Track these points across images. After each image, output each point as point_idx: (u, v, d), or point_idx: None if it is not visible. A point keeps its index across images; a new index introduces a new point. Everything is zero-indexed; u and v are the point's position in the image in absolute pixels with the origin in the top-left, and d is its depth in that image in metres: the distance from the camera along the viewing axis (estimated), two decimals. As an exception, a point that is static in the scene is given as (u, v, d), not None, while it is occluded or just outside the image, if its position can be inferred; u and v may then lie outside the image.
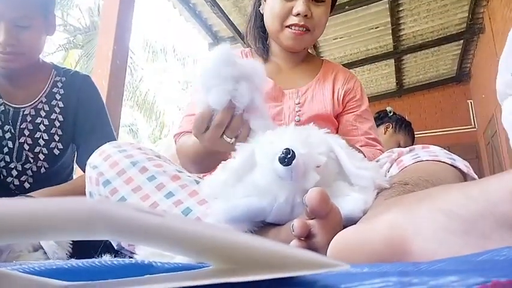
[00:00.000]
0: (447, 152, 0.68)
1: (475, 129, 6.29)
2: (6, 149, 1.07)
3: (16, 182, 1.08)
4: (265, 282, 0.22)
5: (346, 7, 4.23)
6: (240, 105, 0.66)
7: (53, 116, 1.13)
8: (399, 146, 1.93)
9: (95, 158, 0.72)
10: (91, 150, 0.76)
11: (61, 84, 1.17)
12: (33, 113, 1.11)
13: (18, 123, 1.09)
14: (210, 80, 0.66)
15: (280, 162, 0.51)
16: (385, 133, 2.06)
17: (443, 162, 0.64)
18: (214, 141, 0.70)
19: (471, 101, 6.32)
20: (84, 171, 1.11)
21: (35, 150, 1.10)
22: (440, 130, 6.40)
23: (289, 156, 0.51)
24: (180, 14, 4.30)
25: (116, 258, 0.33)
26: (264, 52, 1.03)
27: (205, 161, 0.82)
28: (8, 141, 1.07)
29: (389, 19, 4.65)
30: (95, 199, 0.70)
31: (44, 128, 1.11)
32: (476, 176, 0.65)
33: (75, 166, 1.25)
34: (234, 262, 0.24)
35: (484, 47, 4.99)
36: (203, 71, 0.67)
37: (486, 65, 4.94)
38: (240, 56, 1.03)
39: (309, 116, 0.95)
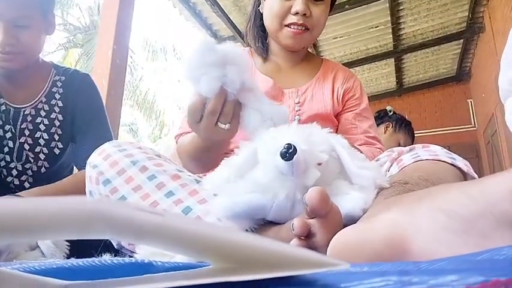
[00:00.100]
0: (447, 151, 0.68)
1: (475, 128, 6.29)
2: (6, 149, 1.07)
3: (16, 182, 1.08)
4: (265, 281, 0.22)
5: (346, 6, 4.23)
6: (232, 90, 0.66)
7: (53, 116, 1.13)
8: (399, 145, 1.93)
9: (95, 157, 0.72)
10: (86, 148, 0.76)
11: (60, 84, 1.16)
12: (33, 112, 1.11)
13: (19, 123, 1.09)
14: (197, 70, 0.66)
15: (282, 157, 0.52)
16: (385, 132, 2.06)
17: (443, 161, 0.64)
18: (209, 129, 0.70)
19: (471, 100, 6.31)
20: (79, 169, 1.11)
21: (36, 150, 1.10)
22: (440, 129, 6.40)
23: (290, 151, 0.51)
24: (180, 13, 4.30)
25: (116, 258, 0.33)
26: (264, 51, 1.03)
27: (204, 155, 0.82)
28: (9, 141, 1.07)
29: (389, 18, 4.65)
30: (95, 198, 0.70)
31: (44, 127, 1.11)
32: (476, 175, 0.65)
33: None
34: (234, 261, 0.24)
35: (484, 46, 4.99)
36: (189, 63, 0.67)
37: (486, 64, 4.94)
38: None
39: (308, 115, 0.95)
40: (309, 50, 1.12)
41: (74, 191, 0.79)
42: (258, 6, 1.03)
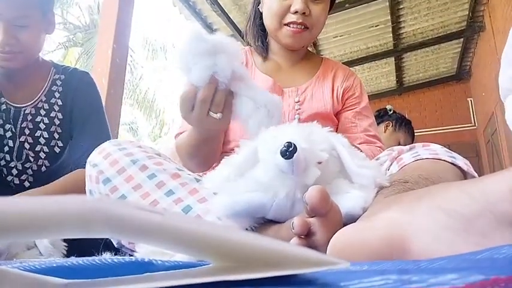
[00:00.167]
0: (447, 150, 0.68)
1: (475, 127, 6.29)
2: (6, 148, 1.07)
3: (16, 181, 1.08)
4: (265, 280, 0.22)
5: (347, 5, 4.22)
6: (223, 79, 0.66)
7: (52, 114, 1.13)
8: (399, 144, 1.93)
9: (95, 156, 0.72)
10: (82, 145, 0.76)
11: (60, 82, 1.16)
12: (33, 112, 1.11)
13: (19, 123, 1.09)
14: (188, 60, 0.66)
15: (282, 156, 0.52)
16: (385, 131, 2.06)
17: (444, 160, 0.64)
18: (201, 118, 0.69)
19: (471, 99, 6.31)
20: (74, 166, 1.10)
21: (36, 149, 1.10)
22: (440, 128, 6.40)
23: (290, 149, 0.51)
24: (180, 12, 4.29)
25: (116, 256, 0.33)
26: (264, 50, 1.03)
27: (201, 150, 0.82)
28: (9, 140, 1.07)
29: (389, 17, 4.65)
30: (95, 197, 0.71)
31: (44, 126, 1.11)
32: (476, 174, 0.66)
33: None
34: (234, 260, 0.24)
35: (485, 45, 4.99)
36: (180, 54, 0.67)
37: (486, 63, 4.94)
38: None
39: (308, 114, 0.95)
40: (309, 48, 1.11)
41: (70, 191, 0.79)
42: (258, 5, 1.03)
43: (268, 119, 0.67)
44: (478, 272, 0.21)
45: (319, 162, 0.56)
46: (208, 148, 0.81)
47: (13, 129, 1.08)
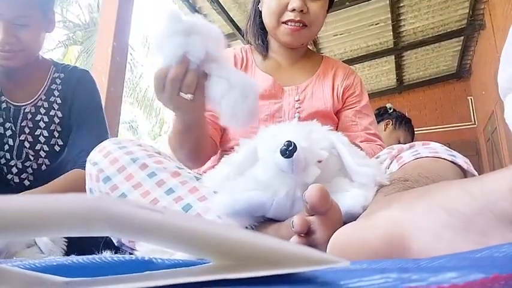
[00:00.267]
0: (447, 148, 0.68)
1: (475, 125, 6.29)
2: (6, 147, 1.07)
3: (16, 180, 1.09)
4: (265, 278, 0.23)
5: (347, 3, 4.22)
6: (195, 59, 0.65)
7: (52, 113, 1.13)
8: (399, 143, 1.93)
9: (95, 155, 0.73)
10: (80, 143, 0.76)
11: (59, 81, 1.16)
12: (33, 110, 1.11)
13: (19, 121, 1.09)
14: (162, 39, 0.66)
15: (282, 154, 0.52)
16: (385, 130, 2.06)
17: (443, 158, 0.64)
18: (172, 98, 0.68)
19: (471, 97, 6.31)
20: (72, 164, 1.10)
21: (36, 148, 1.10)
22: (441, 127, 6.40)
23: (290, 148, 0.51)
24: (180, 10, 4.29)
25: (116, 255, 0.33)
26: (264, 49, 1.03)
27: (186, 139, 0.81)
28: (9, 139, 1.07)
29: (389, 15, 4.64)
30: (95, 196, 0.71)
31: (44, 125, 1.11)
32: (476, 173, 0.65)
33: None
34: (234, 258, 0.24)
35: (485, 43, 4.98)
36: (155, 35, 0.67)
37: (487, 62, 4.94)
38: (240, 53, 1.03)
39: (308, 113, 0.95)
40: (309, 47, 1.11)
41: (70, 191, 0.79)
42: (258, 4, 1.03)
43: (242, 100, 0.65)
44: (478, 270, 0.21)
45: (319, 161, 0.56)
46: (192, 137, 0.80)
47: (13, 128, 1.08)
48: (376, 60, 5.60)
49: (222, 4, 4.13)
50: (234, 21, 4.37)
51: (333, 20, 4.45)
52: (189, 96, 0.68)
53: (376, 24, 4.83)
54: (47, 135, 1.11)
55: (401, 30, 5.04)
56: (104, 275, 0.28)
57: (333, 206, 0.49)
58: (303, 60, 1.05)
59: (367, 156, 0.65)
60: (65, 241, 0.83)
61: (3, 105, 1.08)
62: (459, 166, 0.65)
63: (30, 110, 1.10)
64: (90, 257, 0.31)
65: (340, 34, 4.91)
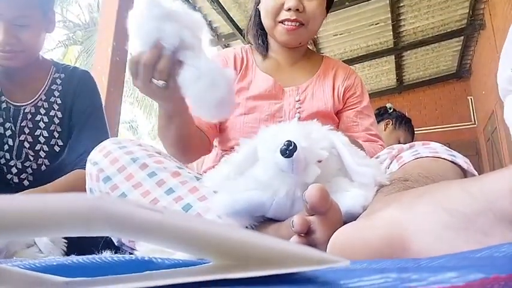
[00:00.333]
0: (447, 148, 0.68)
1: (475, 125, 6.29)
2: (6, 147, 1.07)
3: (16, 180, 1.08)
4: (265, 278, 0.23)
5: (347, 3, 4.22)
6: (169, 45, 0.63)
7: (52, 113, 1.13)
8: (399, 143, 1.93)
9: (95, 155, 0.73)
10: (81, 144, 0.76)
11: (60, 81, 1.16)
12: (33, 110, 1.11)
13: (19, 121, 1.09)
14: (138, 24, 0.65)
15: (282, 154, 0.52)
16: (385, 130, 2.06)
17: (443, 158, 0.64)
18: (144, 84, 0.67)
19: (471, 97, 6.31)
20: (73, 166, 1.10)
21: (36, 148, 1.10)
22: (441, 126, 6.40)
23: (290, 148, 0.51)
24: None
25: (116, 255, 0.33)
26: (264, 49, 1.03)
27: (169, 129, 0.80)
28: (9, 139, 1.07)
29: (389, 15, 4.64)
30: (95, 195, 0.71)
31: (44, 125, 1.11)
32: (476, 173, 0.65)
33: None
34: (234, 258, 0.24)
35: (485, 43, 4.98)
36: (132, 18, 0.65)
37: (487, 62, 4.94)
38: (240, 53, 1.03)
39: (309, 113, 0.95)
40: (309, 47, 1.11)
41: (70, 191, 0.79)
42: (258, 5, 1.03)
43: (211, 89, 0.63)
44: (478, 270, 0.21)
45: (319, 161, 0.56)
46: (173, 127, 0.79)
47: (13, 128, 1.08)
48: (376, 60, 5.60)
49: (222, 4, 4.13)
50: (234, 21, 4.36)
51: (333, 20, 4.45)
52: (160, 83, 0.66)
53: (376, 24, 4.83)
54: (47, 135, 1.11)
55: (401, 30, 5.04)
56: (104, 275, 0.28)
57: (332, 205, 0.49)
58: (303, 60, 1.05)
59: (367, 156, 0.65)
60: (65, 242, 0.83)
61: (3, 105, 1.08)
62: (459, 166, 0.65)
63: (30, 110, 1.10)
64: (90, 257, 0.31)
65: (340, 34, 4.91)
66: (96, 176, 0.71)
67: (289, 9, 0.92)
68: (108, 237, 0.76)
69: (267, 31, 1.01)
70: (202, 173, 0.78)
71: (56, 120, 1.13)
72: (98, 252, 0.57)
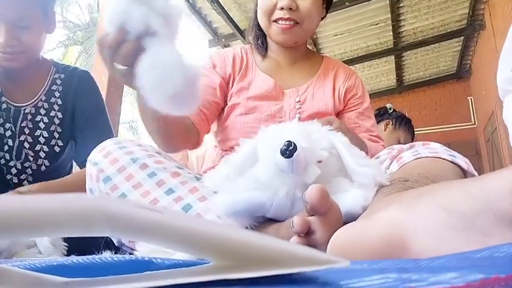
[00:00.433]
0: (447, 148, 0.68)
1: (475, 126, 6.29)
2: (6, 147, 1.07)
3: (15, 180, 1.08)
4: (265, 278, 0.23)
5: (347, 3, 4.22)
6: (133, 30, 0.59)
7: (52, 114, 1.13)
8: (399, 143, 1.93)
9: (95, 155, 0.73)
10: (88, 146, 0.75)
11: (60, 82, 1.16)
12: (33, 111, 1.11)
13: (19, 122, 1.09)
14: (108, 3, 0.62)
15: (282, 154, 0.52)
16: (385, 130, 2.06)
17: (443, 159, 0.64)
18: (108, 66, 0.64)
19: (471, 97, 6.31)
20: (80, 168, 1.11)
21: (36, 148, 1.10)
22: (441, 127, 6.40)
23: (290, 148, 0.51)
24: (179, 11, 4.28)
25: (116, 255, 0.33)
26: (263, 49, 1.02)
27: (147, 115, 0.76)
28: (8, 140, 1.07)
29: (389, 15, 4.65)
30: (95, 196, 0.71)
31: (44, 125, 1.11)
32: (476, 173, 0.65)
33: (74, 164, 1.25)
34: (234, 259, 0.24)
35: (485, 43, 4.98)
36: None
37: (486, 62, 4.94)
38: (240, 53, 1.03)
39: (309, 114, 0.94)
40: (309, 47, 1.11)
41: (78, 187, 0.79)
42: (257, 5, 1.03)
43: (165, 81, 0.58)
44: (478, 270, 0.21)
45: (319, 161, 0.56)
46: (150, 114, 0.74)
47: (13, 129, 1.08)
48: (376, 60, 5.61)
49: (222, 4, 4.13)
50: (234, 21, 4.37)
51: (333, 20, 4.45)
52: (121, 67, 0.62)
53: (376, 25, 4.83)
54: (47, 135, 1.11)
55: (401, 30, 5.04)
56: (104, 275, 0.28)
57: (333, 206, 0.49)
58: (303, 60, 1.05)
59: (367, 156, 0.65)
60: (66, 245, 0.83)
61: (4, 105, 1.08)
62: (459, 166, 0.65)
63: (31, 110, 1.10)
64: (90, 257, 0.31)
65: (340, 34, 4.92)
66: (96, 177, 0.71)
67: (282, 8, 0.91)
68: (108, 237, 0.76)
69: (264, 31, 1.01)
70: (202, 173, 0.78)
71: (56, 121, 1.13)
72: (98, 253, 0.57)
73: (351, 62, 5.24)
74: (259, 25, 1.02)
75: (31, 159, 1.09)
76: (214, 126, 1.03)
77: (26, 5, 1.02)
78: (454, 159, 0.65)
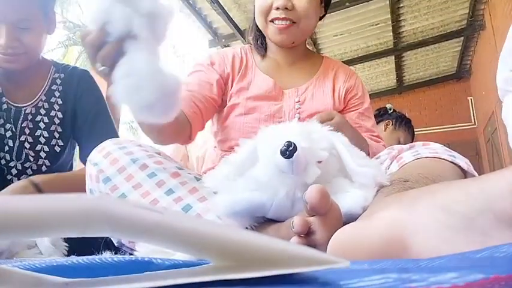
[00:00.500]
0: (447, 149, 0.68)
1: (475, 126, 6.29)
2: (6, 148, 1.07)
3: (16, 181, 1.08)
4: (265, 279, 0.22)
5: (347, 3, 4.22)
6: (114, 32, 0.56)
7: (52, 113, 1.13)
8: (399, 143, 1.93)
9: (95, 155, 0.73)
10: (92, 145, 0.75)
11: (60, 81, 1.16)
12: (33, 111, 1.11)
13: (20, 122, 1.09)
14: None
15: (282, 155, 0.52)
16: (385, 130, 2.06)
17: (444, 159, 0.64)
18: (91, 64, 0.62)
19: (471, 98, 6.31)
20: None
21: (36, 148, 1.10)
22: (441, 127, 6.41)
23: (290, 148, 0.51)
24: (180, 11, 4.29)
25: (116, 255, 0.33)
26: (262, 49, 1.02)
27: None
28: (9, 140, 1.07)
29: (389, 16, 4.65)
30: (95, 196, 0.71)
31: (44, 125, 1.11)
32: (476, 173, 0.65)
33: (74, 164, 1.25)
34: (234, 259, 0.24)
35: (485, 43, 4.98)
36: None
37: (486, 62, 4.94)
38: (239, 53, 1.03)
39: (309, 114, 0.94)
40: (309, 47, 1.11)
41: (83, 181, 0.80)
42: None
43: (138, 90, 0.55)
44: (478, 270, 0.21)
45: (319, 161, 0.56)
46: None
47: (13, 129, 1.08)
48: (376, 60, 5.61)
49: (222, 5, 4.13)
50: (234, 21, 4.37)
51: (333, 20, 4.46)
52: (101, 68, 0.60)
53: (376, 25, 4.83)
54: (47, 135, 1.11)
55: (401, 30, 5.05)
56: (104, 275, 0.28)
57: (333, 206, 0.49)
58: (302, 61, 1.04)
59: (367, 156, 0.65)
60: (66, 246, 0.83)
61: (4, 106, 1.08)
62: (459, 166, 0.65)
63: (31, 111, 1.10)
64: (90, 257, 0.31)
65: (340, 34, 4.92)
66: (96, 177, 0.71)
67: (277, 8, 0.91)
68: (108, 238, 0.76)
69: (262, 31, 1.01)
70: (202, 174, 0.78)
71: (57, 121, 1.13)
72: (98, 253, 0.57)
73: (351, 62, 5.24)
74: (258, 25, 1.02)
75: (31, 159, 1.09)
76: (213, 127, 1.03)
77: (27, 7, 1.02)
78: (454, 159, 0.65)
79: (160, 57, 0.59)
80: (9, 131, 1.08)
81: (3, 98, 1.08)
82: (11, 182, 1.08)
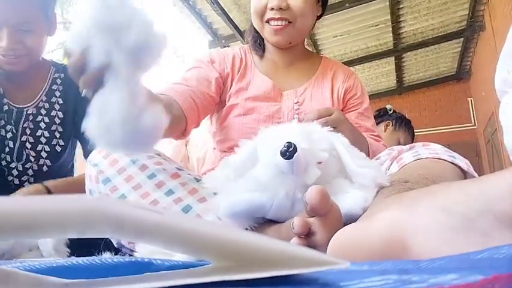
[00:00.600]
0: (447, 149, 0.68)
1: (475, 127, 6.29)
2: (7, 149, 1.07)
3: (16, 182, 1.09)
4: (265, 279, 0.22)
5: (347, 4, 4.22)
6: (94, 61, 0.50)
7: (53, 113, 1.13)
8: (399, 144, 1.93)
9: (95, 156, 0.73)
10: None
11: (60, 81, 1.17)
12: (34, 112, 1.11)
13: (21, 123, 1.09)
14: (82, 13, 0.51)
15: (282, 156, 0.52)
16: (385, 131, 2.06)
17: (444, 160, 0.64)
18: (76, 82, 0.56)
19: (471, 98, 6.31)
20: None
21: (37, 149, 1.10)
22: (440, 128, 6.40)
23: (290, 149, 0.51)
24: (180, 12, 4.29)
25: (116, 256, 0.33)
26: (260, 50, 1.02)
27: None
28: (9, 141, 1.08)
29: (389, 17, 4.65)
30: (95, 197, 0.70)
31: (45, 125, 1.11)
32: (476, 174, 0.66)
33: (75, 164, 1.25)
34: (234, 260, 0.24)
35: (485, 44, 4.98)
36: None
37: (486, 63, 4.94)
38: (239, 54, 1.03)
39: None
40: (308, 48, 1.11)
41: None
42: None
43: (107, 129, 0.51)
44: (478, 272, 0.21)
45: (319, 162, 0.56)
46: None
47: (13, 130, 1.08)
48: (376, 61, 5.61)
49: (222, 5, 4.13)
50: (234, 22, 4.37)
51: (332, 21, 4.45)
52: (84, 91, 0.54)
53: (376, 26, 4.83)
54: (48, 135, 1.11)
55: (401, 31, 5.05)
56: (104, 276, 0.28)
57: (333, 207, 0.49)
58: (301, 61, 1.04)
59: (367, 157, 0.65)
60: (68, 251, 0.82)
61: (5, 107, 1.08)
62: (459, 167, 0.65)
63: (32, 111, 1.11)
64: (90, 258, 0.31)
65: (340, 35, 4.92)
66: (95, 178, 0.71)
67: (272, 9, 0.91)
68: (107, 238, 0.76)
69: (259, 32, 1.01)
70: (202, 175, 0.78)
71: (57, 120, 1.13)
72: (98, 254, 0.57)
73: (350, 63, 5.24)
74: None
75: (32, 159, 1.09)
76: (212, 127, 1.03)
77: (29, 9, 1.02)
78: (454, 160, 0.65)
79: (141, 92, 0.53)
80: (10, 132, 1.08)
81: (5, 99, 1.09)
82: (12, 182, 1.08)
